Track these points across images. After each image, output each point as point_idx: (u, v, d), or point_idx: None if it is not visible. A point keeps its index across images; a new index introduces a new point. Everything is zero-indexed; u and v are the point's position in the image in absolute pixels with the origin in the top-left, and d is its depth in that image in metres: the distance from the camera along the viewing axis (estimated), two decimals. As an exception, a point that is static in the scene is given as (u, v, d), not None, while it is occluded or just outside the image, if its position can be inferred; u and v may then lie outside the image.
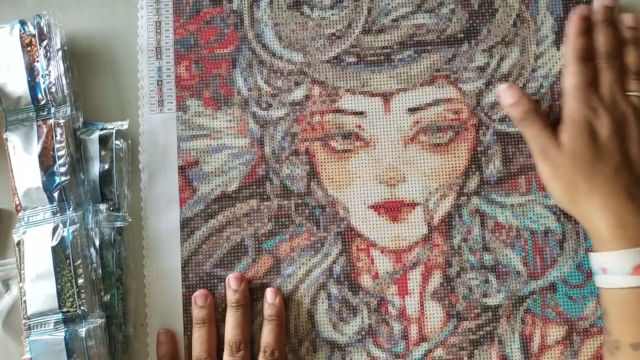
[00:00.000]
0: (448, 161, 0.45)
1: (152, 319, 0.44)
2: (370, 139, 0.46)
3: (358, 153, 0.46)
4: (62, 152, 0.43)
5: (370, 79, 0.46)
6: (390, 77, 0.46)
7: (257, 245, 0.45)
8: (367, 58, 0.46)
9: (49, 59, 0.44)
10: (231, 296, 0.43)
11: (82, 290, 0.42)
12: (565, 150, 0.41)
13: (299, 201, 0.45)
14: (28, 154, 0.43)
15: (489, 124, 0.46)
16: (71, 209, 0.43)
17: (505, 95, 0.44)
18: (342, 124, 0.46)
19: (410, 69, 0.46)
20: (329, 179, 0.46)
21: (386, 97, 0.46)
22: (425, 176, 0.45)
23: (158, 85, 0.46)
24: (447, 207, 0.45)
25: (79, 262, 0.42)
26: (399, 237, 0.45)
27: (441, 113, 0.46)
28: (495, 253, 0.45)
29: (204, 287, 0.45)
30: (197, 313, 0.43)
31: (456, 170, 0.45)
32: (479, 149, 0.46)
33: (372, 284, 0.45)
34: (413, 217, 0.45)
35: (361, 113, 0.46)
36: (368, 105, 0.46)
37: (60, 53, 0.44)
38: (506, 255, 0.45)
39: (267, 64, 0.46)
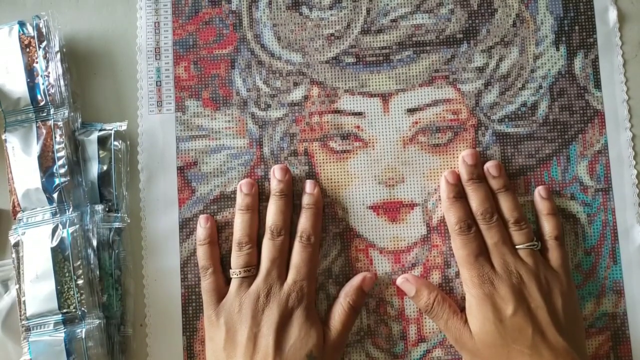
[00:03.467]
0: (447, 162, 0.45)
1: (151, 320, 0.44)
2: (369, 140, 0.46)
3: (357, 154, 0.46)
4: (62, 154, 0.43)
5: (369, 79, 0.46)
6: (389, 77, 0.46)
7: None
8: (366, 58, 0.46)
9: (47, 60, 0.44)
10: (275, 186, 0.44)
11: (82, 291, 0.42)
12: (477, 339, 0.41)
13: (298, 202, 0.45)
14: (27, 155, 0.44)
15: (488, 124, 0.46)
16: (70, 210, 0.43)
17: (405, 287, 0.44)
18: (341, 124, 0.46)
19: (409, 69, 0.46)
20: (327, 179, 0.46)
21: (385, 97, 0.46)
22: (424, 177, 0.45)
23: (157, 85, 0.46)
24: (446, 208, 0.45)
25: (79, 262, 0.42)
26: (397, 237, 0.45)
27: (440, 114, 0.46)
28: (494, 254, 0.45)
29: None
30: (242, 200, 0.44)
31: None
32: (478, 149, 0.45)
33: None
34: (412, 218, 0.45)
35: (360, 114, 0.46)
36: (367, 106, 0.46)
37: (59, 54, 0.44)
38: (505, 255, 0.45)
39: (266, 64, 0.46)
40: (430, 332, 0.44)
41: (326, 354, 0.42)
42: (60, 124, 0.44)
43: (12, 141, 0.44)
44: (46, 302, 0.42)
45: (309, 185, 0.45)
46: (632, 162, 0.45)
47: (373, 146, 0.46)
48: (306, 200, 0.44)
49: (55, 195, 0.43)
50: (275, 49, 0.46)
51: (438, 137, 0.46)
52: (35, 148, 0.43)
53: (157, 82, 0.46)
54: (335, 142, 0.46)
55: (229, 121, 0.46)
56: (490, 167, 0.44)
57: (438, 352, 0.44)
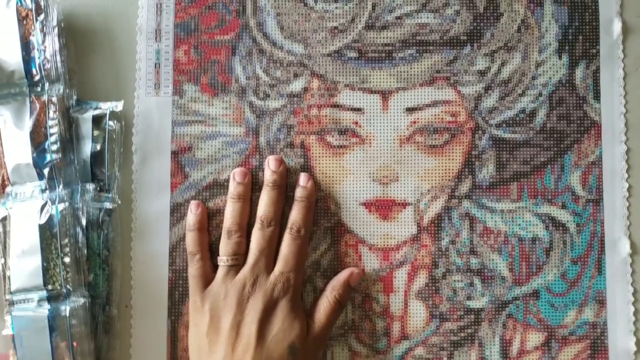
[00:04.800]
0: (442, 163, 0.45)
1: (136, 302, 0.44)
2: (367, 136, 0.46)
3: (353, 149, 0.46)
4: (55, 130, 0.43)
5: (370, 75, 0.46)
6: (390, 75, 0.46)
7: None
8: (368, 54, 0.46)
9: (45, 34, 0.43)
10: (269, 176, 0.44)
11: (68, 269, 0.42)
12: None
13: (291, 193, 0.45)
14: (19, 129, 0.43)
15: (485, 128, 0.46)
16: (60, 187, 0.43)
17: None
18: (339, 119, 0.46)
19: (411, 68, 0.46)
20: (322, 173, 0.45)
21: (385, 95, 0.46)
22: (418, 177, 0.45)
23: (155, 68, 0.46)
24: (437, 209, 0.45)
25: (66, 240, 0.42)
26: (388, 235, 0.45)
27: (438, 115, 0.46)
28: (482, 257, 0.45)
29: (190, 273, 0.45)
30: (234, 188, 0.44)
31: (449, 173, 0.45)
32: (473, 152, 0.46)
33: (358, 279, 0.45)
34: (403, 217, 0.45)
35: (359, 109, 0.46)
36: (366, 102, 0.46)
37: (56, 29, 0.43)
38: (493, 260, 0.45)
39: (267, 53, 0.46)
40: (413, 331, 0.45)
41: (308, 346, 0.42)
42: (54, 99, 0.43)
43: (4, 114, 0.43)
44: (31, 277, 0.42)
45: (302, 178, 0.45)
46: (624, 175, 0.46)
47: (370, 143, 0.45)
48: (299, 193, 0.44)
49: (46, 172, 0.43)
50: (277, 39, 0.46)
51: (435, 138, 0.46)
52: (28, 123, 0.43)
53: (156, 64, 0.46)
54: (333, 136, 0.46)
55: (226, 108, 0.46)
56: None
57: (420, 350, 0.45)
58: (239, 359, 0.40)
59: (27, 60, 0.43)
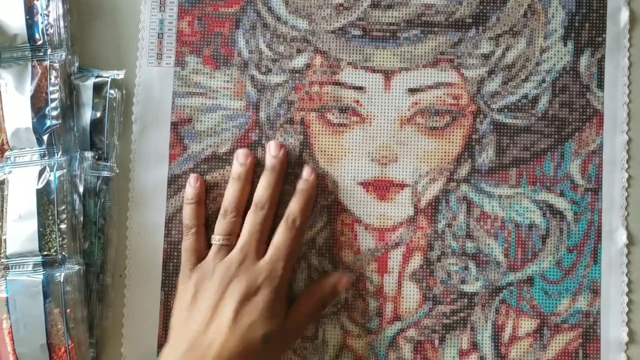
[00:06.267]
0: (442, 146, 0.45)
1: (131, 271, 0.45)
2: (367, 116, 0.45)
3: (353, 128, 0.45)
4: (55, 96, 0.43)
5: (373, 54, 0.46)
6: (394, 54, 0.46)
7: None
8: (372, 33, 0.46)
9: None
10: (268, 161, 0.44)
11: (64, 236, 0.42)
12: None
13: (289, 170, 0.45)
14: (20, 93, 0.43)
15: (487, 112, 0.46)
16: (59, 153, 0.43)
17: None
18: (341, 97, 0.45)
19: (415, 48, 0.46)
20: (321, 151, 0.45)
21: (387, 74, 0.45)
22: (417, 158, 0.45)
23: (158, 38, 0.46)
24: (435, 192, 0.45)
25: (63, 207, 0.42)
26: (384, 216, 0.45)
27: (440, 97, 0.45)
28: (478, 241, 0.45)
29: (185, 245, 0.45)
30: (235, 169, 0.44)
31: (448, 156, 0.45)
32: (474, 136, 0.45)
33: (353, 259, 0.45)
34: (400, 198, 0.45)
35: (361, 88, 0.45)
36: (368, 81, 0.45)
37: None
38: (488, 244, 0.45)
39: (271, 27, 0.46)
40: (406, 312, 0.45)
41: (284, 338, 0.42)
42: (56, 65, 0.43)
43: (6, 77, 0.43)
44: (27, 242, 0.42)
45: (306, 171, 0.44)
46: (624, 166, 0.45)
47: (370, 122, 0.45)
48: (301, 185, 0.44)
49: (45, 137, 0.43)
50: (282, 13, 0.46)
51: (436, 120, 0.45)
52: (29, 87, 0.43)
53: (159, 34, 0.46)
54: (333, 114, 0.45)
55: (227, 81, 0.46)
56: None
57: (412, 332, 0.45)
58: (210, 339, 0.40)
59: (31, 24, 0.43)
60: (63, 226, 0.42)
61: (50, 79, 0.43)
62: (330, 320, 0.45)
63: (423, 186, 0.45)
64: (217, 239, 0.43)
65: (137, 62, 0.45)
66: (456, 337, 0.45)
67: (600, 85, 0.46)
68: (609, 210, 0.45)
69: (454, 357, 0.44)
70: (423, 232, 0.45)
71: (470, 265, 0.45)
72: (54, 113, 0.43)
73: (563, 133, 0.46)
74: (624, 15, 0.46)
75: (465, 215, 0.45)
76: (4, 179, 0.43)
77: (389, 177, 0.45)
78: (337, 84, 0.45)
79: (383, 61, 0.45)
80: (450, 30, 0.46)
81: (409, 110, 0.45)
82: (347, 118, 0.45)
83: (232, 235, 0.43)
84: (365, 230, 0.45)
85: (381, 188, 0.45)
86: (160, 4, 0.46)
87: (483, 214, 0.45)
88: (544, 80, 0.46)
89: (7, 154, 0.43)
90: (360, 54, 0.46)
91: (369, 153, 0.45)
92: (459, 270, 0.45)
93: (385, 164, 0.45)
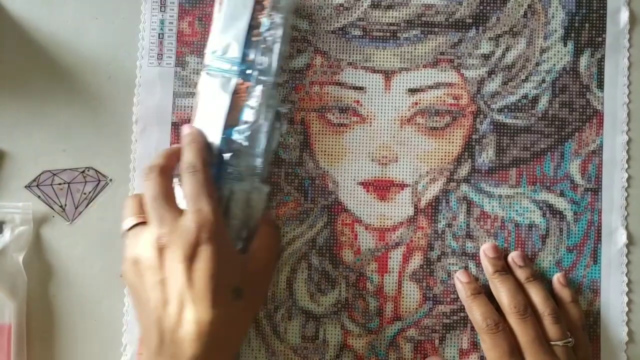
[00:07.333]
0: (442, 146, 0.45)
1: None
2: (367, 116, 0.45)
3: (353, 128, 0.45)
4: (250, 118, 0.42)
5: (373, 54, 0.46)
6: (394, 55, 0.46)
7: (243, 210, 0.45)
8: (372, 33, 0.46)
9: (272, 23, 0.42)
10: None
11: None
12: None
13: (289, 170, 0.45)
14: (216, 106, 0.41)
15: (487, 112, 0.46)
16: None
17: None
18: (341, 97, 0.45)
19: (415, 48, 0.46)
20: (321, 151, 0.45)
21: (388, 74, 0.46)
22: (417, 158, 0.45)
23: (159, 38, 0.46)
24: (435, 192, 0.45)
25: None
26: (384, 216, 0.45)
27: (441, 97, 0.45)
28: (478, 241, 0.45)
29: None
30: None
31: (449, 156, 0.45)
32: (474, 136, 0.45)
33: (353, 259, 0.45)
34: (400, 198, 0.45)
35: (361, 88, 0.45)
36: (369, 81, 0.45)
37: (283, 20, 0.42)
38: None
39: (272, 28, 0.46)
40: (406, 312, 0.45)
41: (253, 289, 0.40)
42: (257, 90, 0.42)
43: (208, 84, 0.42)
44: None
45: (185, 129, 0.42)
46: (624, 166, 0.46)
47: (370, 123, 0.45)
48: (186, 139, 0.41)
49: (227, 156, 0.41)
50: (282, 14, 0.46)
51: (436, 121, 0.45)
52: (226, 103, 0.41)
53: (159, 34, 0.46)
54: (333, 114, 0.45)
55: (228, 82, 0.46)
56: (515, 257, 0.44)
57: (412, 331, 0.45)
58: (175, 321, 0.36)
59: (249, 41, 0.42)
60: None
61: (248, 99, 0.42)
62: (331, 320, 0.45)
63: (423, 186, 0.45)
64: (130, 220, 0.40)
65: (138, 62, 0.45)
66: (456, 337, 0.45)
67: (600, 86, 0.46)
68: (608, 210, 0.45)
69: (454, 356, 0.45)
70: (423, 232, 0.45)
71: (470, 265, 0.45)
72: (244, 135, 0.41)
73: (563, 133, 0.46)
74: (624, 15, 0.46)
75: (465, 215, 0.45)
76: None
77: (389, 177, 0.45)
78: (338, 84, 0.46)
79: (383, 61, 0.46)
80: (451, 30, 0.46)
81: (409, 110, 0.45)
82: (347, 118, 0.45)
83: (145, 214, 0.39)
84: (365, 230, 0.45)
85: (381, 188, 0.45)
86: (161, 4, 0.46)
87: (483, 214, 0.45)
88: (544, 81, 0.46)
89: None
90: (360, 54, 0.46)
91: (369, 153, 0.45)
92: (459, 270, 0.45)
93: (386, 164, 0.45)
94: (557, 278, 0.44)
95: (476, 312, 0.42)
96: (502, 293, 0.42)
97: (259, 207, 0.42)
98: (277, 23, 0.42)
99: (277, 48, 0.42)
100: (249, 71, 0.42)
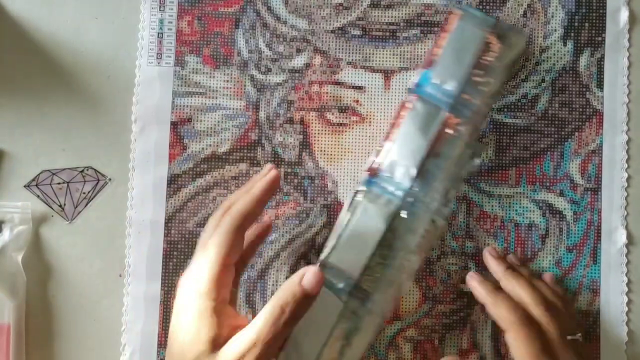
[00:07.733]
0: (441, 145, 0.45)
1: (130, 271, 0.44)
2: (367, 115, 0.45)
3: (353, 128, 0.45)
4: (450, 153, 0.40)
5: (373, 54, 0.46)
6: (393, 54, 0.46)
7: (242, 209, 0.45)
8: (372, 32, 0.46)
9: (492, 69, 0.41)
10: None
11: None
12: None
13: (289, 170, 0.45)
14: (421, 132, 0.40)
15: (486, 112, 0.46)
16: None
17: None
18: (340, 96, 0.45)
19: (415, 48, 0.46)
20: (321, 151, 0.45)
21: (387, 74, 0.46)
22: (417, 158, 0.45)
23: (158, 37, 0.46)
24: (435, 191, 0.45)
25: None
26: (384, 215, 0.45)
27: (440, 96, 0.45)
28: (478, 241, 0.45)
29: (185, 244, 0.45)
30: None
31: (448, 155, 0.45)
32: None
33: (353, 259, 0.45)
34: (400, 198, 0.45)
35: (360, 88, 0.45)
36: (368, 81, 0.45)
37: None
38: (488, 244, 0.45)
39: (271, 27, 0.46)
40: (406, 312, 0.45)
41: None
42: (463, 129, 0.40)
43: (418, 108, 0.40)
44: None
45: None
46: (624, 165, 0.45)
47: (370, 122, 0.45)
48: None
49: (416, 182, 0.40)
50: (281, 13, 0.46)
51: (435, 120, 0.45)
52: (433, 130, 0.40)
53: (158, 33, 0.46)
54: (333, 114, 0.45)
55: (227, 81, 0.46)
56: (513, 258, 0.44)
57: (412, 331, 0.45)
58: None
59: (467, 81, 0.41)
60: None
61: (447, 134, 0.40)
62: (330, 319, 0.45)
63: (423, 186, 0.45)
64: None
65: (137, 61, 0.45)
66: (456, 337, 0.45)
67: (600, 85, 0.46)
68: (608, 210, 0.45)
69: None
70: (423, 231, 0.45)
71: (470, 264, 0.45)
72: (439, 166, 0.40)
73: (563, 133, 0.46)
74: (624, 15, 0.46)
75: (465, 215, 0.45)
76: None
77: (388, 177, 0.45)
78: (337, 83, 0.45)
79: (383, 61, 0.46)
80: (450, 30, 0.46)
81: (408, 110, 0.45)
82: (346, 118, 0.45)
83: None
84: (365, 230, 0.45)
85: (381, 188, 0.45)
86: (160, 3, 0.46)
87: (483, 214, 0.45)
88: (543, 80, 0.46)
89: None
90: (360, 53, 0.46)
91: (368, 152, 0.45)
92: (458, 270, 0.45)
93: (385, 163, 0.45)
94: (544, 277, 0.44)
95: (502, 307, 0.40)
96: (520, 288, 0.41)
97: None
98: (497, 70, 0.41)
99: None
100: (457, 107, 0.40)
